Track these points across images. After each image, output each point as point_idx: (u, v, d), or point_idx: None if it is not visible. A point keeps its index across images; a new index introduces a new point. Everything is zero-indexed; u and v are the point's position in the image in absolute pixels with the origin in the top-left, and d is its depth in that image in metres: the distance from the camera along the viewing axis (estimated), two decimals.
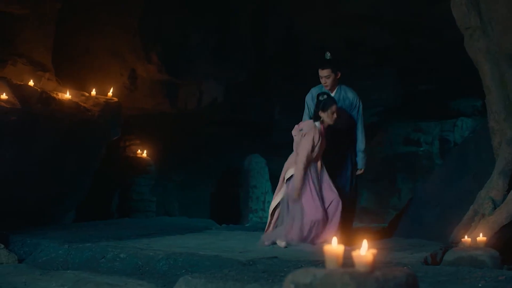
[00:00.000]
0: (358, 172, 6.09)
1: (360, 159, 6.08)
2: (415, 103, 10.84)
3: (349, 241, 5.29)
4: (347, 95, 5.95)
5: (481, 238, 4.69)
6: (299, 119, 7.44)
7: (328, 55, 5.88)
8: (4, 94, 6.78)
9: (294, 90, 8.09)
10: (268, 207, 10.76)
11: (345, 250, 2.19)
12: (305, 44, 10.51)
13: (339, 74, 5.90)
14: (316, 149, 5.48)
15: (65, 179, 7.70)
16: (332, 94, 5.91)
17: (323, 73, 5.85)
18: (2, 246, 5.42)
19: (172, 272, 4.62)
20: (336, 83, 5.93)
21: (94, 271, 4.84)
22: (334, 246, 2.14)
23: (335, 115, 5.53)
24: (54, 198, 7.63)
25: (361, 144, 6.06)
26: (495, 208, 5.06)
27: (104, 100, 8.30)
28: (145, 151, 9.79)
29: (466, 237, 4.86)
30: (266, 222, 10.44)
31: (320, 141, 5.49)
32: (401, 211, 7.52)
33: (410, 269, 4.22)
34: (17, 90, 7.02)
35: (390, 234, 6.75)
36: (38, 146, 7.16)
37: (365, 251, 2.10)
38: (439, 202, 6.44)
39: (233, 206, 10.91)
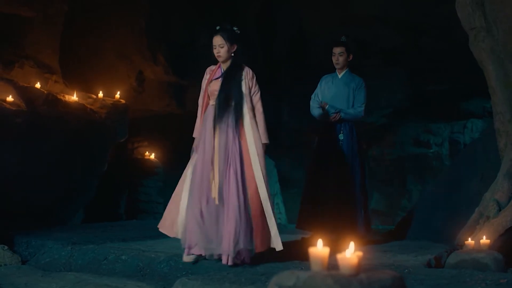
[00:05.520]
0: (333, 114, 5.99)
1: (344, 112, 5.98)
2: (425, 104, 10.76)
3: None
4: (354, 78, 6.11)
5: (484, 240, 4.65)
6: (308, 120, 7.40)
7: (344, 38, 6.12)
8: (10, 96, 6.81)
9: (303, 91, 8.04)
10: (277, 209, 10.82)
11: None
12: (313, 45, 10.48)
13: (351, 57, 6.10)
14: (208, 87, 4.80)
15: (72, 181, 7.72)
16: (340, 76, 6.11)
17: (337, 50, 6.05)
18: (6, 247, 5.44)
19: (173, 274, 4.61)
20: (346, 64, 6.11)
21: (95, 272, 4.85)
22: (319, 249, 2.11)
23: (216, 50, 4.74)
24: (62, 199, 7.66)
25: (353, 110, 6.02)
26: (500, 210, 5.01)
27: (111, 102, 8.33)
28: (153, 153, 9.81)
29: (469, 239, 4.82)
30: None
31: (208, 78, 4.82)
32: (408, 213, 7.47)
33: (411, 271, 4.20)
34: (23, 92, 7.05)
35: (397, 236, 6.71)
36: (45, 148, 7.18)
37: (350, 253, 2.07)
38: (447, 204, 6.38)
39: None
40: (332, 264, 2.28)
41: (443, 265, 4.81)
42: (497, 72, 5.17)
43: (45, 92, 7.37)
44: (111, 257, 5.08)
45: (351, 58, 6.09)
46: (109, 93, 8.53)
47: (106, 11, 8.48)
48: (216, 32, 4.73)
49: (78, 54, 8.51)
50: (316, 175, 6.04)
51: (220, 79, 4.74)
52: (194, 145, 4.84)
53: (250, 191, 4.54)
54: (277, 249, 4.55)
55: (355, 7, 9.59)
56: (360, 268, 2.07)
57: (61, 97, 7.59)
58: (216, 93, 4.68)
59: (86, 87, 8.41)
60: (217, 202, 4.46)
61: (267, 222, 4.55)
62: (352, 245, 2.16)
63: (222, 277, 3.77)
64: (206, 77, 4.85)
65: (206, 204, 4.51)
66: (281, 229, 5.43)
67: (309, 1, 9.75)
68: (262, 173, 4.57)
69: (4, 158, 6.74)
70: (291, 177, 11.23)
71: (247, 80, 4.75)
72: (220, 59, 4.76)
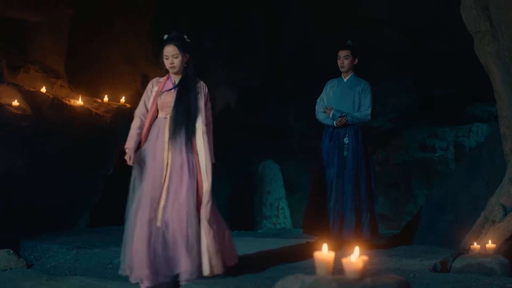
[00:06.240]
0: (338, 118, 5.95)
1: (350, 116, 5.94)
2: (431, 108, 10.73)
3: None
4: (359, 82, 6.08)
5: (490, 245, 4.63)
6: (313, 124, 7.37)
7: (349, 41, 6.08)
8: (16, 100, 6.85)
9: (308, 95, 8.04)
10: (282, 213, 10.80)
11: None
12: (319, 49, 10.48)
13: (356, 60, 6.06)
14: (158, 99, 4.35)
15: (77, 185, 7.74)
16: (345, 79, 6.08)
17: (342, 53, 6.01)
18: (11, 251, 5.44)
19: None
20: (352, 68, 6.07)
21: (100, 276, 4.85)
22: (324, 253, 2.11)
23: (169, 60, 4.32)
24: (67, 203, 7.67)
25: (359, 113, 5.97)
26: (506, 214, 4.99)
27: (116, 106, 8.35)
28: None
29: (475, 244, 4.80)
30: (280, 228, 10.38)
31: (155, 91, 4.39)
32: (413, 217, 7.45)
33: (416, 275, 4.19)
34: (29, 96, 7.09)
35: (403, 240, 6.68)
36: (50, 152, 7.21)
37: (355, 257, 2.07)
38: (452, 208, 6.36)
39: (247, 212, 10.85)
40: (337, 268, 2.27)
41: (449, 270, 4.79)
42: (503, 76, 5.15)
43: (51, 96, 7.40)
44: (116, 261, 5.07)
45: (356, 62, 6.06)
46: (114, 98, 8.55)
47: (111, 16, 8.51)
48: (168, 42, 4.34)
49: (84, 58, 8.53)
50: (321, 179, 6.03)
51: (173, 90, 4.34)
52: (131, 159, 4.57)
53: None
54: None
55: (363, 11, 9.58)
56: (365, 273, 2.06)
57: (67, 102, 7.62)
58: (170, 105, 4.29)
59: (92, 92, 8.44)
60: (159, 224, 4.25)
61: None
62: (357, 249, 2.16)
63: (227, 281, 3.77)
64: (154, 89, 4.42)
65: (158, 227, 4.25)
66: (285, 233, 5.43)
67: (317, 5, 9.75)
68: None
69: (9, 162, 6.77)
70: (296, 182, 11.21)
71: (203, 94, 4.37)
72: (173, 70, 4.36)
